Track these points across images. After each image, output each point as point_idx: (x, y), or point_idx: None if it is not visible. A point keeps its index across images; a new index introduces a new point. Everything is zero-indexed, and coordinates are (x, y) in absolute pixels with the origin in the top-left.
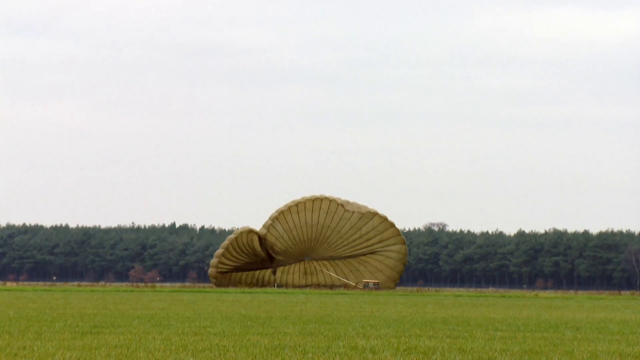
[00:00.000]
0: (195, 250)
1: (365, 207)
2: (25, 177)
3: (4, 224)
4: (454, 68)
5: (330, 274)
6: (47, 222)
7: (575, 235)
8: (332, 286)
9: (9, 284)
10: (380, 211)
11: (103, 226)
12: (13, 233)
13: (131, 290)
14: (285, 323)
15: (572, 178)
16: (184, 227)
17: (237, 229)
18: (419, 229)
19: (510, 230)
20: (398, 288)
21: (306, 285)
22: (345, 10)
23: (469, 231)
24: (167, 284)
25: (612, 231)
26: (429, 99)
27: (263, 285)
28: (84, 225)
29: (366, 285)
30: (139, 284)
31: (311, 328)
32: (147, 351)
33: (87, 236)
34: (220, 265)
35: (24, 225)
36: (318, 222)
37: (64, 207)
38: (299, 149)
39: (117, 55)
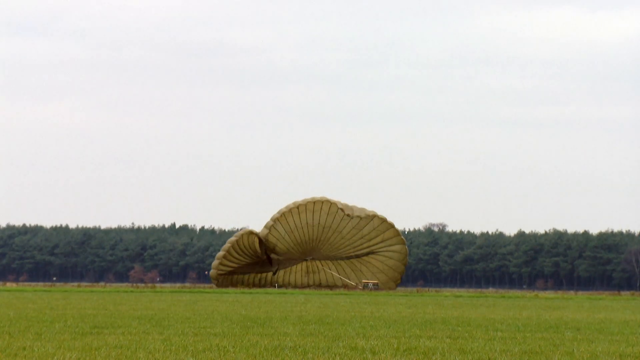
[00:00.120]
0: (195, 250)
1: (364, 209)
2: (25, 177)
3: (4, 225)
4: (454, 68)
5: (332, 274)
6: (47, 222)
7: (575, 235)
8: (332, 287)
9: (9, 284)
10: (381, 211)
11: (103, 227)
12: (13, 233)
13: (131, 291)
14: (285, 323)
15: (572, 178)
16: (184, 228)
17: (238, 230)
18: (419, 230)
19: (510, 230)
20: (398, 288)
21: (308, 285)
22: (345, 10)
23: (469, 231)
24: (167, 285)
25: (612, 231)
26: (429, 99)
27: (263, 286)
28: (84, 226)
29: (366, 286)
30: (139, 284)
31: (311, 328)
32: (147, 352)
33: (87, 237)
34: (221, 267)
35: (24, 225)
36: (319, 223)
37: (64, 208)
38: (299, 149)
39: (117, 55)
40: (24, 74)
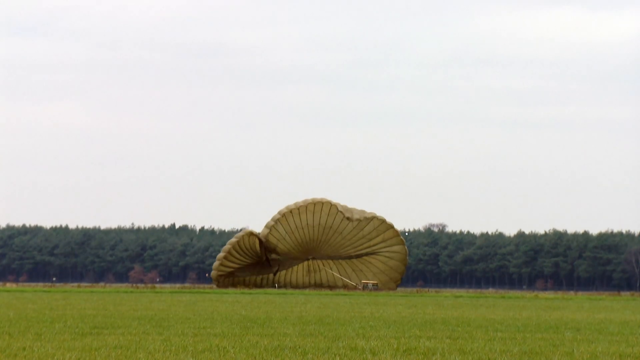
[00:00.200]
0: (195, 251)
1: (364, 211)
2: (25, 177)
3: (3, 225)
4: (454, 68)
5: (333, 274)
6: (47, 223)
7: (575, 236)
8: (332, 287)
9: (8, 284)
10: (381, 211)
11: (103, 227)
12: (13, 234)
13: (131, 291)
14: (285, 324)
15: (572, 178)
16: (184, 228)
17: (238, 231)
18: (418, 230)
19: (510, 231)
20: (398, 289)
21: (309, 284)
22: (345, 10)
23: (468, 232)
24: (167, 285)
25: (612, 232)
26: (429, 99)
27: (264, 286)
28: (84, 226)
29: (365, 286)
30: (139, 284)
31: (311, 329)
32: (147, 352)
33: (87, 237)
34: (222, 268)
35: (23, 226)
36: (319, 224)
37: (63, 208)
38: (299, 149)
39: (117, 55)
40: (24, 74)
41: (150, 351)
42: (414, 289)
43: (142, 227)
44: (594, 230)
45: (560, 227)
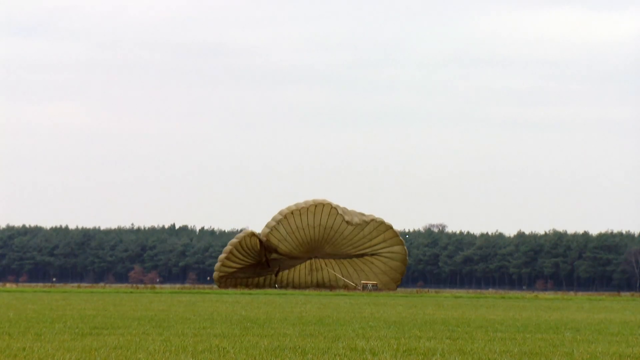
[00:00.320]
0: (195, 251)
1: (363, 214)
2: (25, 177)
3: (3, 225)
4: (454, 68)
5: (335, 274)
6: (47, 223)
7: (575, 236)
8: (333, 287)
9: (8, 285)
10: (381, 212)
11: (103, 227)
12: (13, 234)
13: (131, 292)
14: (285, 324)
15: (572, 178)
16: (184, 229)
17: (238, 231)
18: (418, 230)
19: (510, 231)
20: (398, 289)
21: (312, 283)
22: (345, 10)
23: (468, 232)
24: (167, 285)
25: (612, 232)
26: (429, 99)
27: (265, 287)
28: (84, 227)
29: (365, 287)
30: (139, 285)
31: (311, 329)
32: (147, 352)
33: (87, 237)
34: (224, 268)
35: (23, 226)
36: (320, 224)
37: (63, 208)
38: (299, 149)
39: (117, 55)
40: (24, 74)
41: (150, 351)
42: (414, 290)
43: (142, 228)
44: (593, 231)
45: (560, 228)
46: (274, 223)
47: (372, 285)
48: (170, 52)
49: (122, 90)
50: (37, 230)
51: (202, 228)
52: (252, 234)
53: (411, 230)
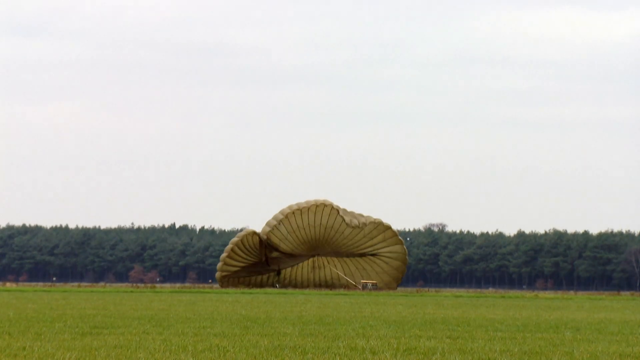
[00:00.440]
0: (195, 250)
1: (361, 215)
2: (25, 177)
3: (3, 225)
4: (454, 68)
5: (338, 273)
6: (47, 222)
7: (575, 235)
8: (334, 286)
9: (8, 284)
10: (380, 211)
11: (103, 227)
12: (13, 234)
13: (131, 291)
14: (285, 323)
15: (572, 178)
16: (184, 228)
17: (238, 230)
18: (418, 230)
19: (510, 230)
20: (398, 288)
21: (314, 281)
22: (345, 10)
23: (468, 232)
24: (167, 285)
25: (612, 232)
26: (429, 99)
27: (270, 286)
28: (84, 226)
29: (365, 286)
30: (139, 284)
31: (311, 328)
32: (147, 352)
33: (87, 237)
34: (226, 267)
35: (23, 225)
36: (321, 224)
37: (63, 208)
38: (299, 149)
39: (117, 55)
40: (24, 74)
41: (150, 351)
42: (414, 289)
43: (142, 227)
44: (594, 230)
45: (560, 227)
46: (274, 222)
47: (372, 285)
48: (170, 52)
49: (122, 90)
50: (37, 230)
51: (202, 227)
52: (254, 233)
53: (411, 229)
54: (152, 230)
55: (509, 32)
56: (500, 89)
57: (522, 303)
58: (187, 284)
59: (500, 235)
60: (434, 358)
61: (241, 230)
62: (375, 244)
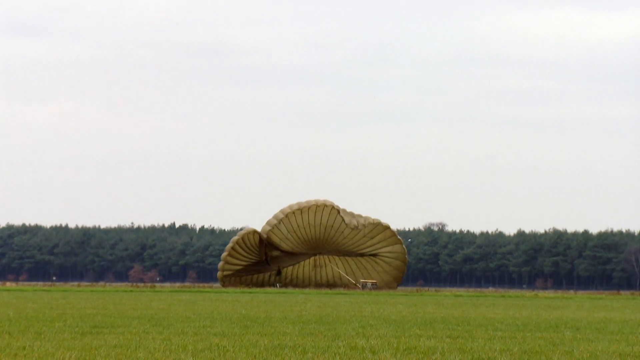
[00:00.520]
0: (195, 250)
1: (360, 216)
2: (25, 177)
3: (3, 224)
4: (454, 68)
5: (339, 272)
6: (47, 222)
7: (575, 235)
8: (334, 285)
9: (8, 284)
10: (380, 211)
11: (103, 226)
12: (13, 233)
13: (131, 291)
14: (285, 323)
15: (572, 178)
16: (184, 227)
17: (238, 230)
18: (418, 229)
19: (510, 230)
20: (398, 288)
21: (315, 279)
22: (345, 10)
23: (468, 231)
24: (167, 284)
25: (612, 231)
26: (429, 99)
27: (263, 285)
28: (84, 226)
29: (364, 286)
30: (139, 284)
31: (311, 328)
32: (146, 351)
33: (87, 236)
34: (227, 267)
35: (23, 225)
36: (322, 223)
37: (63, 207)
38: (299, 149)
39: (117, 55)
40: (24, 74)
41: (150, 350)
42: (414, 288)
43: (142, 226)
44: (593, 230)
45: (560, 226)
46: (275, 221)
47: (372, 284)
48: (170, 52)
49: (122, 90)
50: (37, 229)
51: (202, 227)
52: (254, 232)
53: (411, 229)
54: (152, 229)
55: (509, 32)
56: (500, 89)
57: (522, 302)
58: (187, 284)
59: (500, 235)
60: (433, 357)
61: (241, 229)
62: (375, 244)
